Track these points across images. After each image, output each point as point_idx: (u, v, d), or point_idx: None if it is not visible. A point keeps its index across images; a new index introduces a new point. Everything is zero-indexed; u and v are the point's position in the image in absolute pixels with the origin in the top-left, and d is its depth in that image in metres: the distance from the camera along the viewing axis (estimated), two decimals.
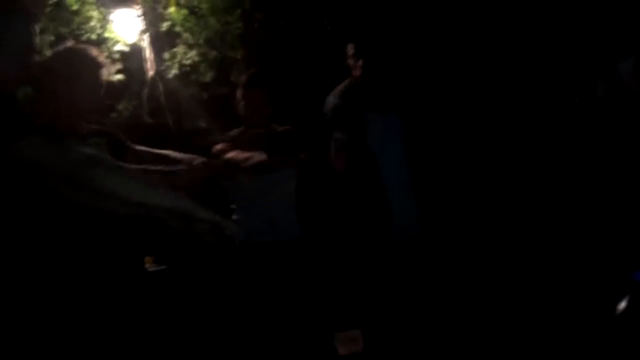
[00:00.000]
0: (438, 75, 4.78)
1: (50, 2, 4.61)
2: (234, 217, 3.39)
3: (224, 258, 3.39)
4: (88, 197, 1.51)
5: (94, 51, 2.55)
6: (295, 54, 5.03)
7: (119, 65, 4.79)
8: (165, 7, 4.90)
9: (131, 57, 4.92)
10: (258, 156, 3.05)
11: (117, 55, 4.83)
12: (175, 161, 2.64)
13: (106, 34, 4.79)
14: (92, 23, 4.73)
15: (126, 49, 4.88)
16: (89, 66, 2.48)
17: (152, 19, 4.84)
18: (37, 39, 2.15)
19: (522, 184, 4.68)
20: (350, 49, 3.57)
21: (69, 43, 2.61)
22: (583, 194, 4.02)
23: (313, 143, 3.51)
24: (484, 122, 4.95)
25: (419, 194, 3.58)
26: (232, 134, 3.50)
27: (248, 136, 3.42)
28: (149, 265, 4.09)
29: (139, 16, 4.81)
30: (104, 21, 4.78)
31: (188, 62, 4.91)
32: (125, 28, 4.85)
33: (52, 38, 4.57)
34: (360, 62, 3.50)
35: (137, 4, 4.84)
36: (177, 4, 4.89)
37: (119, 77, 4.77)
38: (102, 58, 2.54)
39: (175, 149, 2.86)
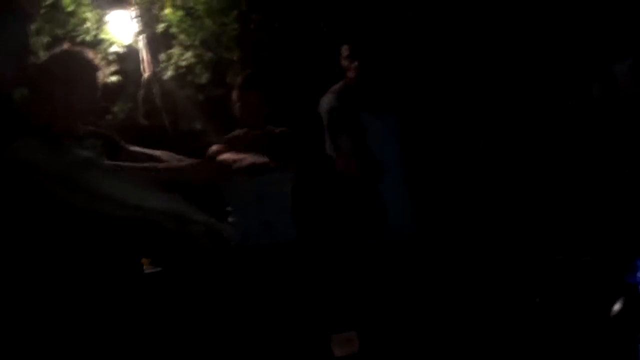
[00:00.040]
0: (433, 75, 4.78)
1: (46, 3, 4.59)
2: (230, 219, 3.39)
3: (219, 260, 3.39)
4: (84, 199, 1.51)
5: (90, 54, 2.55)
6: (291, 56, 5.03)
7: (114, 67, 4.78)
8: (161, 8, 4.89)
9: (127, 59, 4.91)
10: (250, 158, 3.04)
11: (112, 57, 4.83)
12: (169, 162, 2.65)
13: (102, 36, 4.78)
14: (88, 24, 4.73)
15: (122, 50, 4.88)
16: (86, 69, 2.49)
17: (148, 20, 4.83)
18: (32, 40, 2.15)
19: (518, 184, 4.68)
20: (344, 50, 3.57)
21: (65, 45, 2.61)
22: (579, 195, 4.03)
23: (309, 144, 3.51)
24: (479, 123, 4.95)
25: (414, 195, 3.59)
26: (228, 136, 3.50)
27: (244, 138, 3.42)
28: (145, 267, 4.09)
29: (134, 17, 4.81)
30: (100, 22, 4.78)
31: (184, 63, 4.91)
32: (121, 29, 4.85)
33: (47, 39, 4.56)
34: (355, 64, 3.51)
35: (133, 5, 4.83)
36: (173, 5, 4.89)
37: (115, 78, 4.76)
38: (98, 60, 2.55)
39: (171, 151, 2.87)
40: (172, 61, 4.91)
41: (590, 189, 3.93)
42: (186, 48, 4.92)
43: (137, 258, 2.79)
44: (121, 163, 2.42)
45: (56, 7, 4.69)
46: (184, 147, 3.80)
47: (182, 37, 4.92)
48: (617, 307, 2.36)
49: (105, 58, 4.54)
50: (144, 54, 4.91)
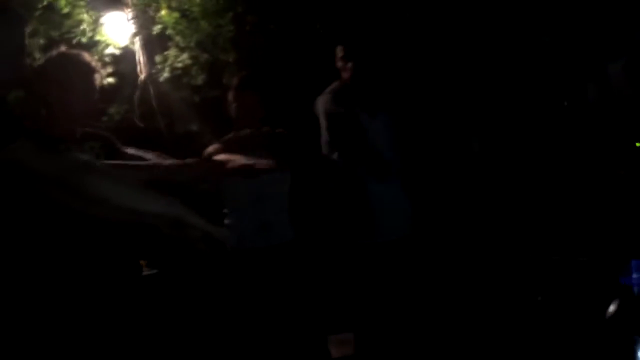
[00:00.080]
0: (427, 76, 4.79)
1: (41, 5, 4.58)
2: (226, 221, 3.39)
3: (216, 262, 3.39)
4: (80, 203, 1.51)
5: (87, 56, 2.55)
6: (286, 57, 5.03)
7: (110, 69, 4.77)
8: (157, 10, 4.88)
9: (122, 61, 4.90)
10: (242, 159, 3.04)
11: (108, 59, 4.81)
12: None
13: (97, 37, 4.77)
14: (83, 26, 4.71)
15: (117, 52, 4.87)
16: (84, 71, 2.49)
17: (144, 22, 4.82)
18: (28, 42, 2.15)
19: (513, 185, 4.69)
20: (339, 51, 3.58)
21: (63, 48, 2.61)
22: (574, 196, 4.04)
23: (305, 145, 3.51)
24: (474, 123, 4.96)
25: (409, 195, 3.59)
26: (224, 138, 3.50)
27: (240, 139, 3.42)
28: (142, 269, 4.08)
29: (130, 19, 4.80)
30: (95, 24, 4.76)
31: (180, 65, 4.90)
32: (117, 31, 4.83)
33: (42, 41, 4.55)
34: (350, 64, 3.52)
35: (128, 7, 4.82)
36: (169, 7, 4.87)
37: (110, 80, 4.75)
38: (95, 63, 2.55)
39: (167, 153, 2.87)
40: (168, 63, 4.90)
41: (585, 190, 3.94)
42: (182, 50, 4.91)
43: (134, 260, 2.79)
44: (122, 162, 2.43)
45: (51, 8, 4.67)
46: (180, 149, 3.80)
47: (178, 38, 4.91)
48: (612, 308, 2.37)
49: (100, 60, 4.53)
50: (139, 56, 4.91)
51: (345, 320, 3.74)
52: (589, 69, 4.28)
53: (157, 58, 4.92)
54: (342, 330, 3.83)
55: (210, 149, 3.40)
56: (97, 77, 2.54)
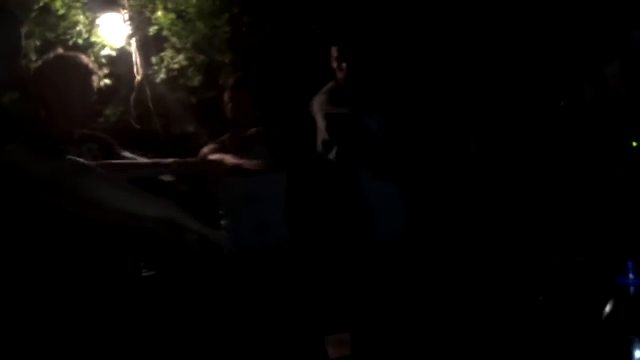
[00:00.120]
0: (424, 76, 4.79)
1: (37, 7, 4.57)
2: (223, 222, 3.39)
3: (213, 263, 3.39)
4: (77, 206, 1.51)
5: (84, 58, 2.55)
6: (282, 57, 5.04)
7: (106, 70, 4.77)
8: (153, 11, 4.87)
9: (118, 62, 4.89)
10: (234, 159, 3.05)
11: (104, 60, 4.81)
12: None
13: (93, 39, 4.76)
14: (79, 28, 4.70)
15: (113, 53, 4.86)
16: (81, 74, 2.49)
17: (140, 23, 4.81)
18: (24, 44, 2.14)
19: (510, 185, 4.69)
20: (334, 52, 3.59)
21: (60, 50, 2.61)
22: (571, 197, 4.04)
23: (301, 145, 3.52)
24: (470, 124, 4.96)
25: (405, 195, 3.59)
26: (221, 139, 3.51)
27: (236, 139, 3.43)
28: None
29: (126, 21, 4.79)
30: (91, 26, 4.75)
31: (176, 66, 4.90)
32: (113, 33, 4.83)
33: (38, 43, 4.54)
34: (345, 65, 3.53)
35: (125, 8, 4.81)
36: (165, 9, 4.87)
37: (107, 82, 4.75)
38: (93, 65, 2.55)
39: (163, 154, 2.87)
40: (165, 64, 4.89)
41: (582, 190, 3.94)
42: (178, 51, 4.91)
43: (133, 262, 2.79)
44: (123, 162, 2.44)
45: (47, 10, 4.66)
46: (176, 150, 3.80)
47: (174, 40, 4.91)
48: (608, 308, 2.37)
49: (97, 61, 4.52)
50: (136, 57, 4.90)
51: (342, 320, 3.73)
52: (585, 69, 4.29)
53: (154, 59, 4.91)
54: (339, 331, 3.83)
55: (206, 149, 3.41)
56: (94, 79, 2.55)
